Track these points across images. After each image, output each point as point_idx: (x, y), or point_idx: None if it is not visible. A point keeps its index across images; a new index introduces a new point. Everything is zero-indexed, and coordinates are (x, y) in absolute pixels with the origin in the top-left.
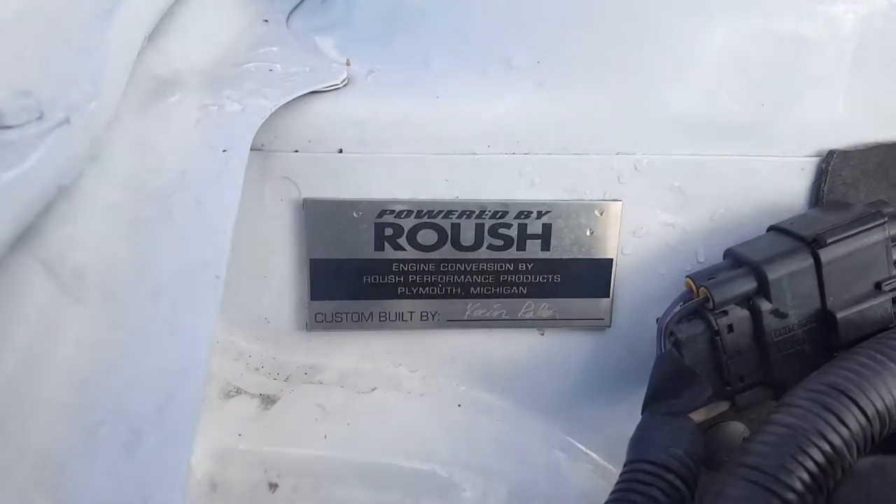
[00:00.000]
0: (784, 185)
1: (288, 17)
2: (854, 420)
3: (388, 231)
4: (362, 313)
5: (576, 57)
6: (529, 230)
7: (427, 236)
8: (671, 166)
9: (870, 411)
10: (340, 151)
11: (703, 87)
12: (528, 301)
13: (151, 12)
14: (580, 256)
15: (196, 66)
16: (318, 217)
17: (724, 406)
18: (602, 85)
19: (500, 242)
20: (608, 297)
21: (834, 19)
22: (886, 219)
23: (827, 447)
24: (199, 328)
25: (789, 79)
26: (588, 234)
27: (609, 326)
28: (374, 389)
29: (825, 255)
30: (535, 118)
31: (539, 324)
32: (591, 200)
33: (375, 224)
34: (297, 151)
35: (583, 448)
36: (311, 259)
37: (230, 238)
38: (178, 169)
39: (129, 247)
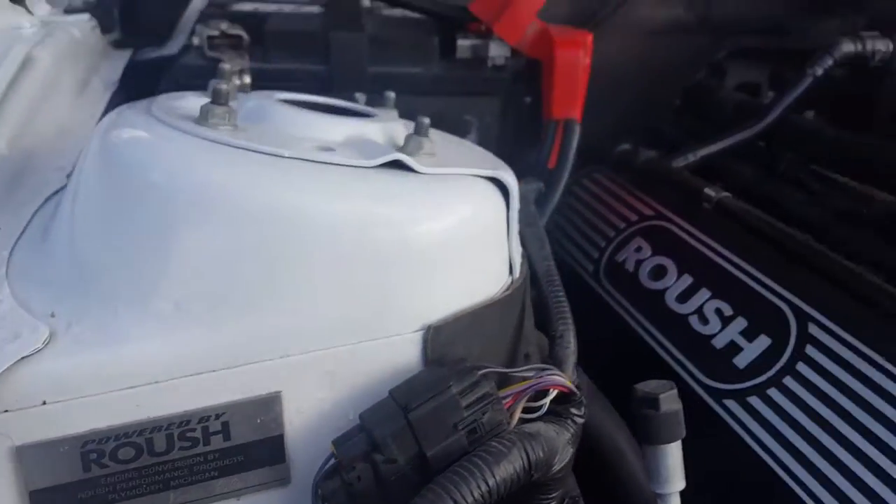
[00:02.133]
0: (401, 356)
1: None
2: None
3: (93, 455)
4: None
5: (222, 291)
6: (212, 429)
7: (127, 452)
8: (321, 357)
9: None
10: (44, 403)
11: (333, 293)
12: (221, 480)
13: None
14: (257, 438)
15: None
16: (32, 458)
17: None
18: (255, 301)
19: (188, 444)
20: (285, 462)
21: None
22: (452, 382)
23: None
24: None
25: (392, 277)
26: (259, 421)
27: (290, 483)
28: None
29: (413, 415)
30: (206, 345)
31: (234, 494)
32: (259, 395)
33: (81, 452)
34: (6, 411)
35: None
36: (30, 492)
37: None
38: None
39: None
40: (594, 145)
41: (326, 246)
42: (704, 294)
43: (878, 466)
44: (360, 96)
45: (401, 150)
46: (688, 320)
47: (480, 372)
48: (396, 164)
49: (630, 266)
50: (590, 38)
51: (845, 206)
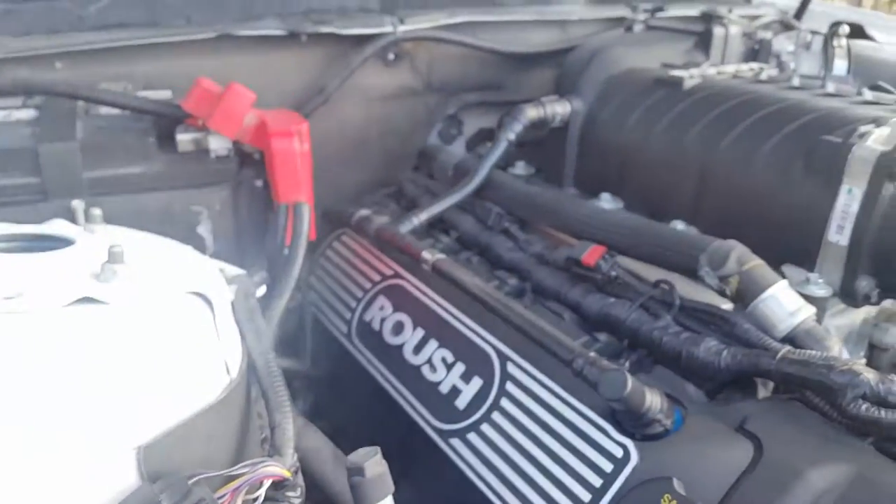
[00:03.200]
0: (119, 479)
1: None
2: None
3: None
4: None
5: None
6: None
7: None
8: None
9: None
10: None
11: (28, 433)
12: None
13: None
14: None
15: None
16: None
17: None
18: None
19: None
20: None
21: None
22: (163, 497)
23: None
24: None
25: (87, 410)
26: None
27: None
28: None
29: None
30: None
31: None
32: None
33: None
34: None
35: None
36: None
37: None
38: None
39: None
40: (346, 204)
41: (11, 392)
42: (433, 345)
43: (562, 483)
44: (77, 204)
45: (97, 277)
46: (421, 370)
47: (191, 481)
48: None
49: (376, 325)
50: (305, 124)
51: (539, 250)
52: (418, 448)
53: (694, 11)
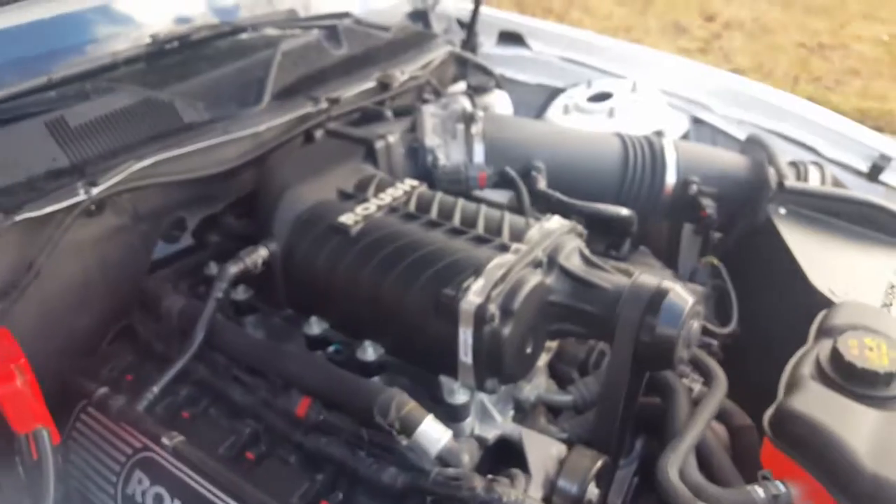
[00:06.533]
0: None
1: None
2: None
3: None
4: None
5: None
6: None
7: None
8: None
9: None
10: None
11: None
12: None
13: None
14: None
15: None
16: None
17: None
18: None
19: None
20: None
21: None
22: None
23: None
24: None
25: None
26: None
27: None
28: None
29: None
30: None
31: None
32: None
33: None
34: None
35: None
36: None
37: None
38: None
39: None
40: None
41: None
42: None
43: None
44: None
45: None
46: None
47: None
48: None
49: (139, 498)
50: (21, 358)
51: (264, 395)
52: None
53: (370, 83)
